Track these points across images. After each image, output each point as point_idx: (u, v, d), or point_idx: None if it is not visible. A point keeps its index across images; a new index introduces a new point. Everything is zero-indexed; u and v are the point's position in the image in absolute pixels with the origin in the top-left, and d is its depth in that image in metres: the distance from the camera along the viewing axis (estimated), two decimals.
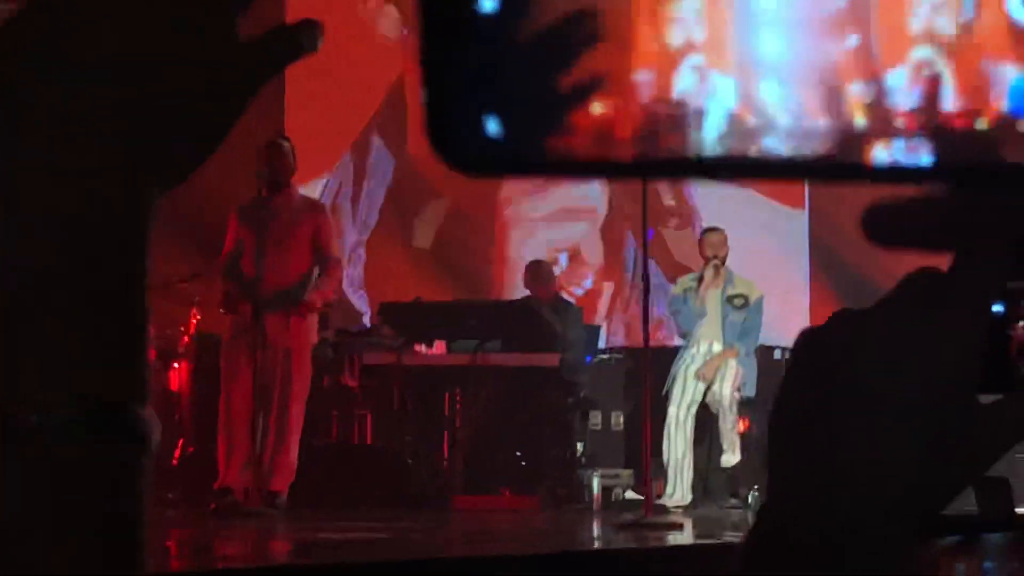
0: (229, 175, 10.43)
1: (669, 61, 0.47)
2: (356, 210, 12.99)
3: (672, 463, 8.33)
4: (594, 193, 12.23)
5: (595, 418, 9.39)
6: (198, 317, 10.22)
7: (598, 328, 10.85)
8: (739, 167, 0.48)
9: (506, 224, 12.47)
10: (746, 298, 8.42)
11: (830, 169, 0.48)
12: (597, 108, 0.47)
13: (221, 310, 7.99)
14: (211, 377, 9.24)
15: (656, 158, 0.48)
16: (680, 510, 8.09)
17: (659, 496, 8.04)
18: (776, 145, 0.47)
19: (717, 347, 8.39)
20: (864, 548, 0.66)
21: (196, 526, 7.07)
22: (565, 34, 0.48)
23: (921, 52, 0.46)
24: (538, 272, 9.57)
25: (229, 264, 7.83)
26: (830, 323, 0.68)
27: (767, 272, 9.35)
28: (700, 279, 8.44)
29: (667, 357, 8.63)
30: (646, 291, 6.95)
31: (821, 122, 0.46)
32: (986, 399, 0.68)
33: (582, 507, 8.55)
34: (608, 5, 0.47)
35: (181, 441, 9.60)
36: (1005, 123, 0.46)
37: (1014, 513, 1.05)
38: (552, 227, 12.33)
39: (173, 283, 10.61)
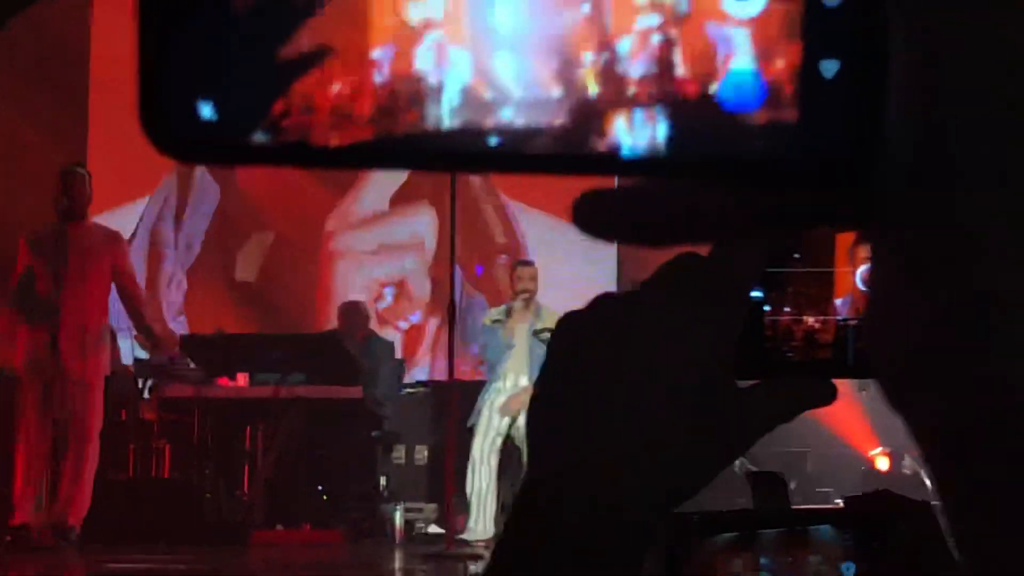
0: (17, 201, 10.22)
1: (408, 38, 0.46)
2: (178, 236, 12.77)
3: (475, 496, 8.32)
4: (422, 227, 12.22)
5: (399, 452, 9.36)
6: None
7: (402, 362, 10.82)
8: (473, 158, 0.48)
9: (332, 256, 12.37)
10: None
11: (566, 161, 0.47)
12: (327, 89, 0.46)
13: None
14: (2, 414, 8.97)
15: (391, 147, 0.47)
16: (483, 543, 8.09)
17: (461, 531, 8.04)
18: (513, 118, 0.46)
19: (524, 381, 8.43)
20: (616, 531, 0.66)
21: None
22: (286, 7, 0.47)
23: (648, 19, 0.47)
24: (351, 312, 9.56)
25: (20, 292, 7.60)
26: (591, 306, 0.68)
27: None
28: (509, 312, 8.48)
29: (476, 391, 8.64)
30: (451, 323, 6.96)
31: (555, 92, 0.46)
32: (744, 384, 0.69)
33: (384, 541, 8.51)
34: None
35: None
36: (720, 104, 0.47)
37: (789, 507, 1.08)
38: (379, 261, 12.28)
39: None
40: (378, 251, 12.31)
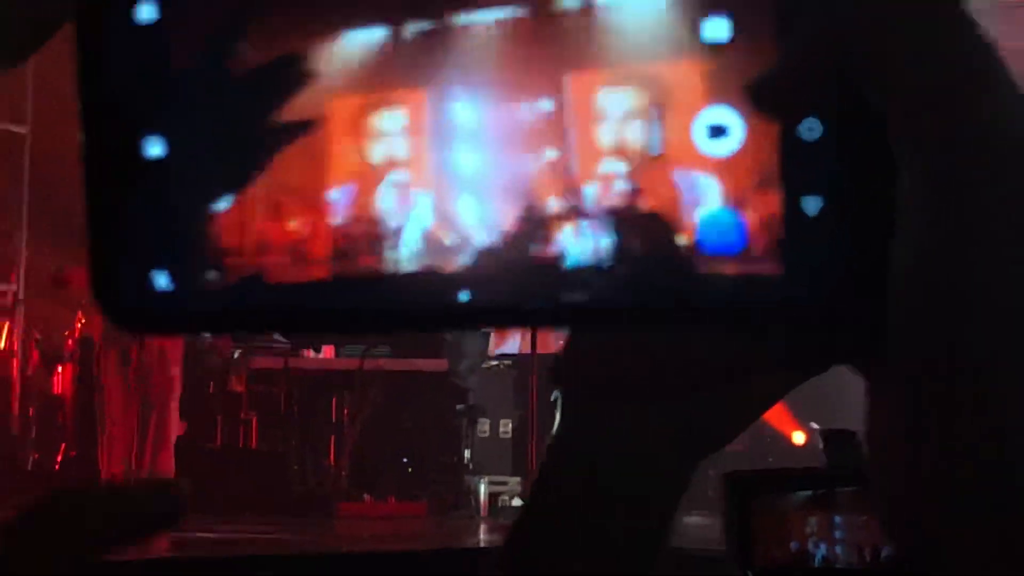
0: None
1: (370, 178, 0.46)
2: None
3: None
4: None
5: (483, 425, 9.39)
6: (83, 320, 10.09)
7: (487, 334, 10.85)
8: (433, 317, 0.46)
9: None
10: None
11: (534, 315, 0.46)
12: (284, 228, 0.45)
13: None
14: (93, 380, 9.13)
15: (345, 312, 0.46)
16: None
17: None
18: (474, 265, 0.45)
19: None
20: (649, 480, 0.65)
21: None
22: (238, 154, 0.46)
23: (611, 165, 0.46)
24: None
25: None
26: None
27: None
28: None
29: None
30: None
31: (518, 239, 0.45)
32: None
33: (468, 514, 8.55)
34: (313, 120, 0.45)
35: (63, 445, 9.46)
36: (696, 251, 0.45)
37: (862, 466, 1.06)
38: None
39: (51, 281, 10.46)
40: None
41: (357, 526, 7.80)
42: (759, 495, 1.01)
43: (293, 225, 0.45)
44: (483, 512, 8.53)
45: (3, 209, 8.88)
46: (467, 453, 9.11)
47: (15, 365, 9.63)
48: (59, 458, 9.35)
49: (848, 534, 1.03)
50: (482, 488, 8.63)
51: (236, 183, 0.45)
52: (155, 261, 0.46)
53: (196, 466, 7.93)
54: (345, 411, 8.92)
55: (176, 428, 7.70)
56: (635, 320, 0.46)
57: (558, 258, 0.45)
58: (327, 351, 9.09)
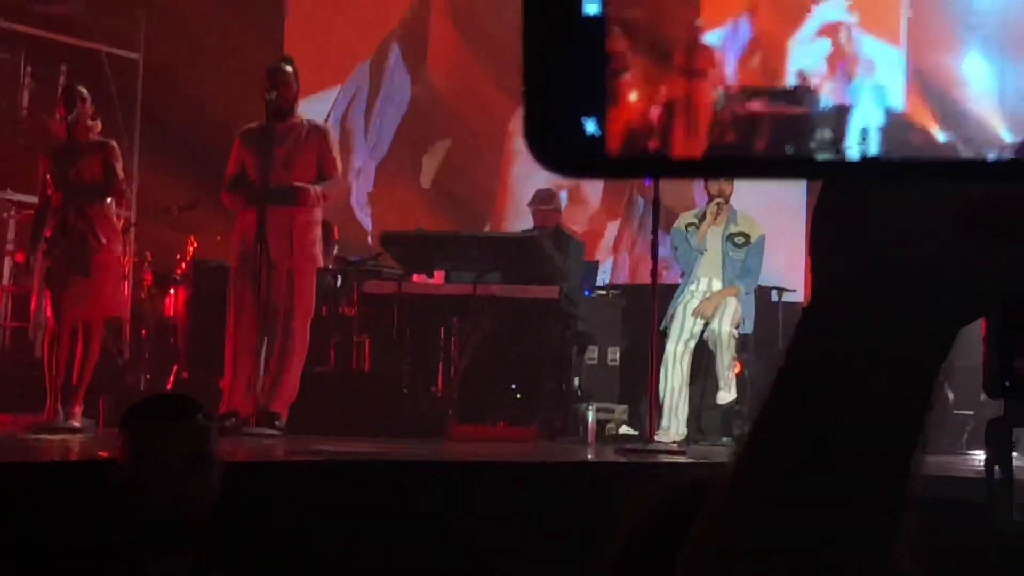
0: (230, 101, 10.47)
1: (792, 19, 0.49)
2: (368, 128, 12.99)
3: (668, 399, 8.32)
4: None
5: (591, 353, 9.42)
6: (195, 244, 10.24)
7: (596, 263, 10.88)
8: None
9: (509, 159, 12.47)
10: (747, 236, 8.42)
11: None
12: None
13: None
14: (206, 303, 9.26)
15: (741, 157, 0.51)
16: (675, 445, 8.12)
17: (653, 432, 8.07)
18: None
19: (717, 285, 8.40)
20: (900, 373, 0.64)
21: None
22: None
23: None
24: (546, 199, 9.59)
25: (232, 183, 7.83)
26: None
27: (768, 212, 9.31)
28: (703, 216, 8.44)
29: (666, 295, 8.63)
30: (655, 226, 6.96)
31: None
32: None
33: (577, 440, 8.60)
34: None
35: (175, 367, 9.63)
36: None
37: None
38: None
39: (172, 211, 10.63)
40: None
41: (467, 449, 7.87)
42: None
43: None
44: (591, 439, 8.57)
45: (116, 135, 8.98)
46: (576, 380, 9.15)
47: (127, 287, 9.78)
48: (171, 379, 9.53)
49: None
50: (590, 415, 8.66)
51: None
52: (586, 109, 0.50)
53: (308, 388, 8.03)
54: (455, 337, 8.99)
55: (301, 354, 7.80)
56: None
57: None
58: (437, 276, 9.15)
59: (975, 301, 0.63)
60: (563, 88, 0.50)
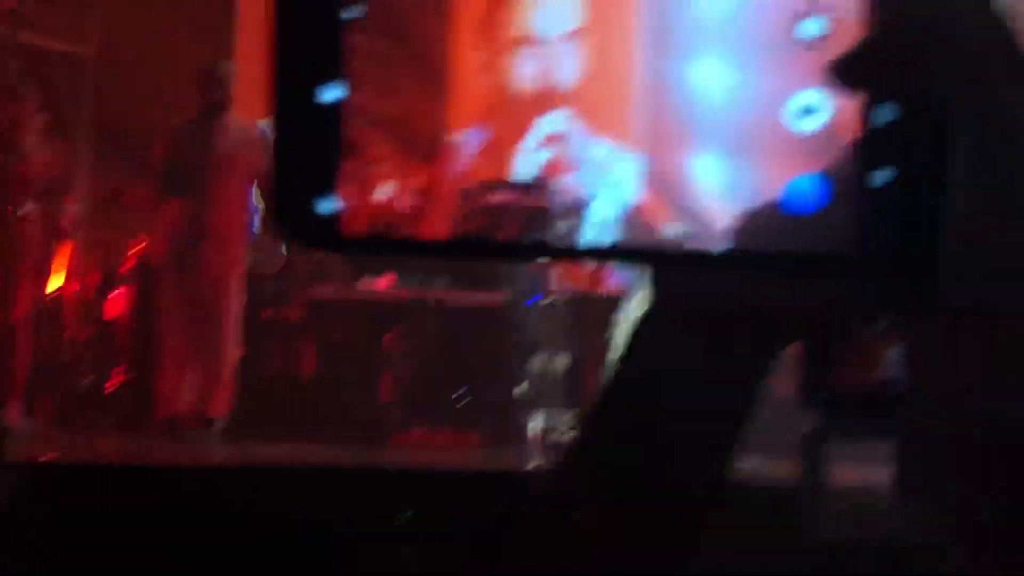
0: (162, 98, 10.34)
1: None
2: None
3: None
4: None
5: (538, 360, 9.36)
6: (142, 244, 10.12)
7: (546, 269, 10.80)
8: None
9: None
10: None
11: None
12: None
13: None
14: (151, 303, 9.15)
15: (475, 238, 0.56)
16: None
17: None
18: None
19: None
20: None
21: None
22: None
23: None
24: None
25: (166, 171, 7.71)
26: None
27: None
28: None
29: (614, 303, 8.58)
30: None
31: None
32: None
33: (522, 447, 8.54)
34: None
35: (117, 368, 9.52)
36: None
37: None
38: None
39: (119, 204, 10.48)
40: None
41: (410, 455, 7.82)
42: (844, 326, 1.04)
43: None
44: (536, 446, 8.51)
45: (65, 133, 8.89)
46: (521, 387, 9.09)
47: (71, 288, 9.67)
48: (113, 381, 9.41)
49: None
50: (535, 422, 8.60)
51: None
52: (320, 190, 0.54)
53: (249, 393, 7.95)
54: (401, 341, 8.92)
55: (234, 354, 7.72)
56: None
57: None
58: (384, 281, 9.08)
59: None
60: (301, 169, 0.54)
